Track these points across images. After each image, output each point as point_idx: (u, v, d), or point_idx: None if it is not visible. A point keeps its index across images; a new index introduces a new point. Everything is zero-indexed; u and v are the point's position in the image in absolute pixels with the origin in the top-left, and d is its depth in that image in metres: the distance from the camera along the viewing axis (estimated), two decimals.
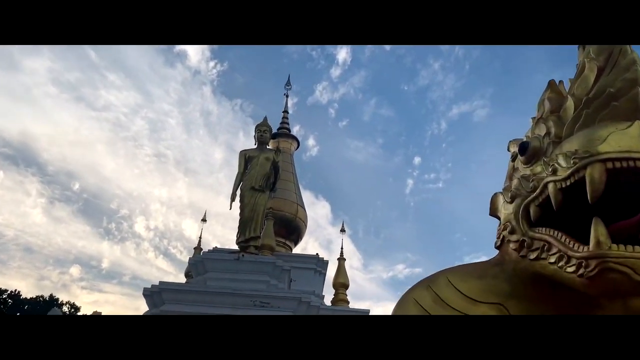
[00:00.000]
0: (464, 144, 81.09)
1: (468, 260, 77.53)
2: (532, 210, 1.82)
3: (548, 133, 1.88)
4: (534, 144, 1.89)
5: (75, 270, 71.39)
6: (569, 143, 1.75)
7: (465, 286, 1.98)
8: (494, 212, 2.11)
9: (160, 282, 14.89)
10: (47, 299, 35.91)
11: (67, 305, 36.33)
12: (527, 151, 1.89)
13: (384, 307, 77.78)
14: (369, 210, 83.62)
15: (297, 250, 28.01)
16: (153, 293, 14.68)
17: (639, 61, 1.81)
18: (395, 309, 1.98)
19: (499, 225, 2.06)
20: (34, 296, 35.46)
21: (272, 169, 18.57)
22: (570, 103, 1.88)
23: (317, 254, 24.63)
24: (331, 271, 25.99)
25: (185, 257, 79.58)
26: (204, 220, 29.07)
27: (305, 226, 27.93)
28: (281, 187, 23.54)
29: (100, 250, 73.37)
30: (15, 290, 34.65)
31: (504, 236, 1.97)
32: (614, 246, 1.54)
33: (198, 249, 27.26)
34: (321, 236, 75.20)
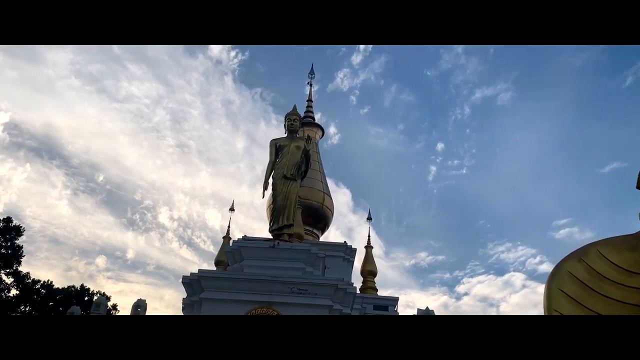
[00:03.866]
0: (488, 129, 79.73)
1: (492, 246, 76.68)
2: None
3: None
4: None
5: (101, 261, 72.34)
6: None
7: (618, 258, 2.03)
8: None
9: (200, 270, 15.13)
10: (78, 289, 36.77)
11: (97, 295, 37.16)
12: None
13: (406, 295, 77.78)
14: (391, 197, 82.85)
15: (321, 238, 28.21)
16: (192, 281, 14.91)
17: None
18: (549, 282, 2.04)
19: None
20: (66, 286, 36.36)
21: (304, 158, 18.56)
22: None
23: (345, 242, 24.76)
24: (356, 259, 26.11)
25: (209, 246, 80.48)
26: (231, 209, 29.37)
27: (332, 214, 28.06)
28: (307, 175, 23.63)
29: (125, 241, 74.30)
30: (48, 280, 35.58)
31: None
32: None
33: (227, 238, 27.59)
34: (342, 224, 75.16)
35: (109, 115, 72.26)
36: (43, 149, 68.05)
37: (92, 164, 73.61)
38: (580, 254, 2.10)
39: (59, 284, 36.58)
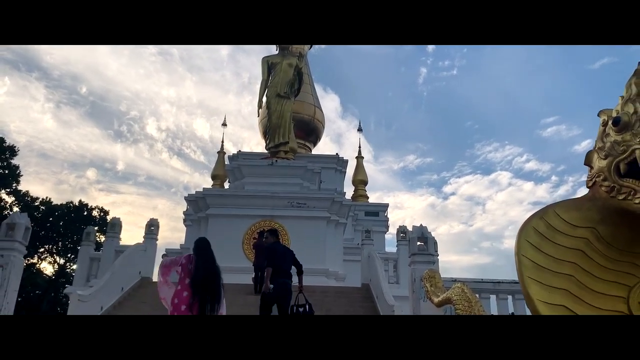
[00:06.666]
0: None
1: (479, 147, 77.96)
2: (621, 166, 2.67)
3: (635, 112, 2.68)
4: (624, 119, 2.70)
5: (91, 173, 73.14)
6: None
7: (568, 215, 2.89)
8: (588, 162, 2.98)
9: (204, 189, 16.09)
10: (76, 204, 37.83)
11: (97, 210, 38.40)
12: (619, 124, 2.70)
13: (395, 197, 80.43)
14: (380, 101, 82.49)
15: (313, 150, 29.12)
16: (197, 199, 15.92)
17: None
18: (519, 234, 2.90)
19: (591, 172, 2.92)
20: (64, 202, 37.38)
21: (296, 75, 18.94)
22: None
23: (336, 153, 25.73)
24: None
25: (199, 156, 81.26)
26: (224, 124, 29.90)
27: (323, 127, 28.77)
28: None
29: (114, 153, 74.53)
30: (47, 197, 36.51)
31: (596, 181, 2.84)
32: None
33: (221, 152, 28.40)
34: (331, 130, 75.81)
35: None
36: (20, 61, 66.06)
37: (73, 75, 72.00)
38: (542, 213, 2.95)
39: (52, 198, 37.53)
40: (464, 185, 77.93)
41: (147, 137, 78.04)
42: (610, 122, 2.79)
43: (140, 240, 14.09)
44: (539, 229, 2.96)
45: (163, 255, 16.18)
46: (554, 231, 2.94)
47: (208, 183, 26.64)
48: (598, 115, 3.05)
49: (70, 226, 35.98)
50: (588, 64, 71.62)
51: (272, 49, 21.16)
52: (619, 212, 2.74)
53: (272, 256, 7.37)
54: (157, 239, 14.14)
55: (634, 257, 2.85)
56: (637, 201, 2.59)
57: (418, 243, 8.24)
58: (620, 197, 2.69)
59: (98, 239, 23.40)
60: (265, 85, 19.02)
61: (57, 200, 37.72)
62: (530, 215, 3.00)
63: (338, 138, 74.16)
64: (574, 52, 71.32)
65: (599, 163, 2.84)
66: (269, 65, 19.12)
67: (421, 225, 8.31)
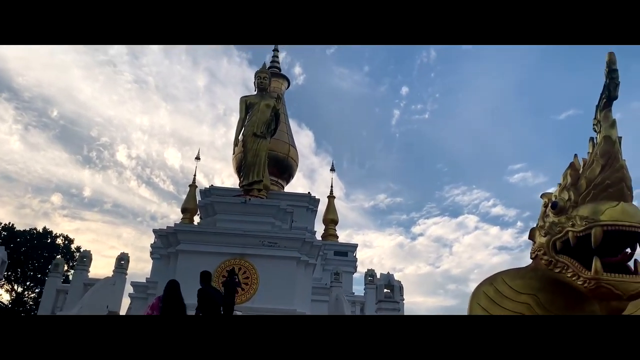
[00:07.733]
0: (452, 74, 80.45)
1: (448, 189, 79.14)
2: (557, 244, 3.16)
3: (569, 199, 3.19)
4: (561, 204, 3.21)
5: (56, 198, 71.29)
6: (582, 209, 3.06)
7: (513, 283, 3.36)
8: (531, 237, 3.48)
9: (176, 224, 16.19)
10: (40, 231, 36.96)
11: (61, 238, 37.58)
12: (556, 208, 3.21)
13: (364, 235, 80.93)
14: (353, 140, 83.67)
15: (285, 188, 29.46)
16: (168, 234, 15.99)
17: (625, 165, 3.08)
18: (472, 298, 3.33)
19: (534, 245, 3.41)
20: (27, 228, 36.49)
21: (273, 116, 19.45)
22: (583, 182, 3.17)
23: (309, 192, 26.13)
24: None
25: (169, 186, 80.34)
26: (197, 158, 30.05)
27: (297, 165, 29.24)
28: None
29: (81, 179, 72.93)
30: (9, 223, 35.67)
31: (538, 254, 3.32)
32: (605, 274, 2.87)
33: (193, 186, 28.45)
34: (304, 166, 76.30)
35: (61, 47, 69.22)
36: None
37: (45, 98, 70.96)
38: (492, 280, 3.41)
39: (13, 222, 36.61)
40: (432, 226, 78.99)
41: (117, 164, 76.98)
42: (549, 205, 3.29)
43: (103, 268, 14.14)
44: (489, 294, 3.42)
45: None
46: (501, 296, 3.41)
47: (176, 213, 26.55)
48: (540, 197, 3.56)
49: (32, 253, 35.07)
50: (554, 115, 74.79)
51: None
52: (556, 283, 3.21)
53: (205, 300, 7.77)
54: (126, 274, 14.15)
55: None
56: (569, 274, 3.07)
57: (385, 290, 8.64)
58: (557, 270, 3.16)
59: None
60: (242, 124, 19.47)
61: (18, 225, 36.79)
62: (481, 282, 3.47)
63: (311, 174, 74.65)
64: (541, 103, 74.43)
65: (540, 239, 3.33)
66: (246, 105, 19.62)
67: (388, 273, 8.73)
